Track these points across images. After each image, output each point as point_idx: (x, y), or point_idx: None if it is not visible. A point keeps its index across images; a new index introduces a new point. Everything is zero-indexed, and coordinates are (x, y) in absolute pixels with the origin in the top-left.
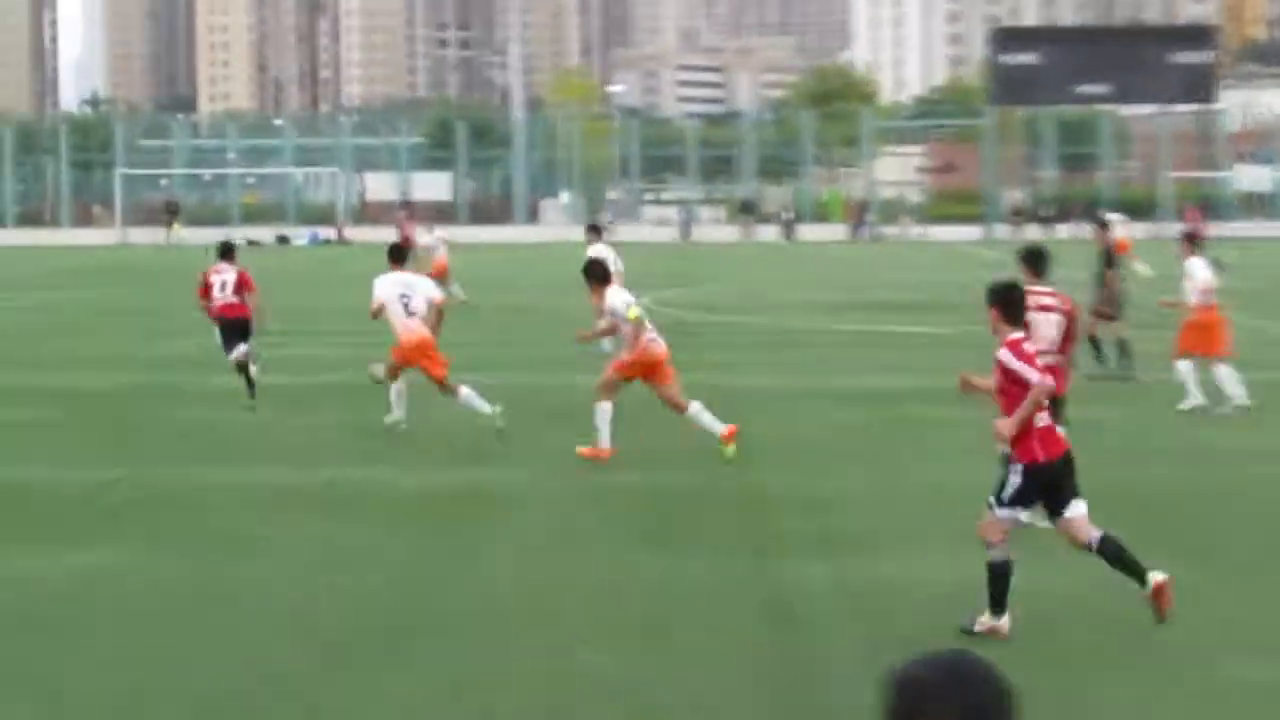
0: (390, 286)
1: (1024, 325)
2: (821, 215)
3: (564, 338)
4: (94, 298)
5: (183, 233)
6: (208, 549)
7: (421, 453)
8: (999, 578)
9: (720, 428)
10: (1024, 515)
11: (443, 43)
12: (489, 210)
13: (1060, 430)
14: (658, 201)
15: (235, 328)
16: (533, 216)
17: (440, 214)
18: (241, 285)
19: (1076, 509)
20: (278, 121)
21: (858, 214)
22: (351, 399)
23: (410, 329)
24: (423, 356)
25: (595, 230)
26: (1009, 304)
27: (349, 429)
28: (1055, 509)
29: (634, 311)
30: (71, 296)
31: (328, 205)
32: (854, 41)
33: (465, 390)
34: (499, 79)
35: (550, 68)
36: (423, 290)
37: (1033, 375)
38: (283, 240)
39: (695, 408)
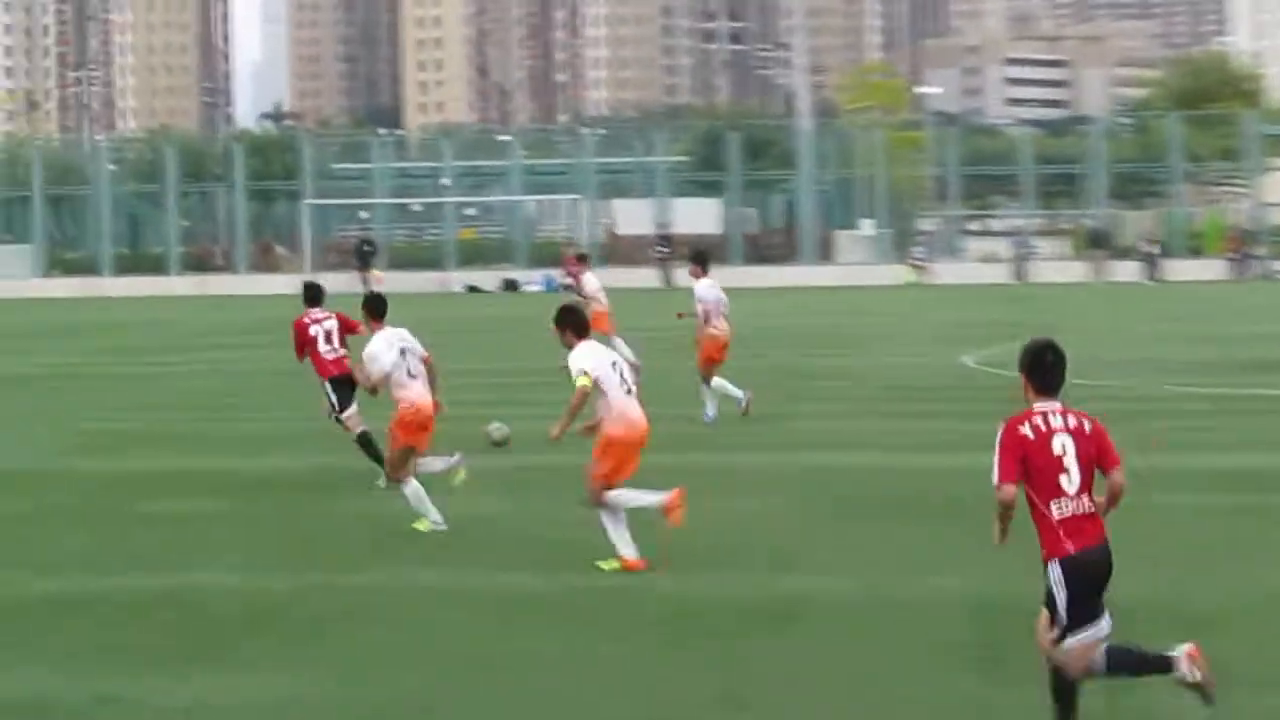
0: (388, 348)
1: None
2: (1194, 247)
3: (865, 406)
4: (275, 360)
5: (383, 277)
6: (428, 673)
7: (680, 551)
8: (1126, 668)
9: (657, 498)
10: (1105, 624)
11: (709, 37)
12: (769, 245)
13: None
14: (984, 232)
15: (352, 384)
16: (825, 252)
17: (708, 250)
18: (347, 331)
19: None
20: (503, 138)
21: (1240, 245)
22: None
23: (423, 396)
24: (427, 428)
25: (702, 263)
26: (1041, 368)
27: (591, 521)
28: None
29: (585, 379)
30: (247, 359)
31: (567, 241)
32: (1233, 25)
33: (422, 460)
34: (780, 80)
35: (845, 64)
36: (415, 346)
37: (994, 475)
38: (511, 286)
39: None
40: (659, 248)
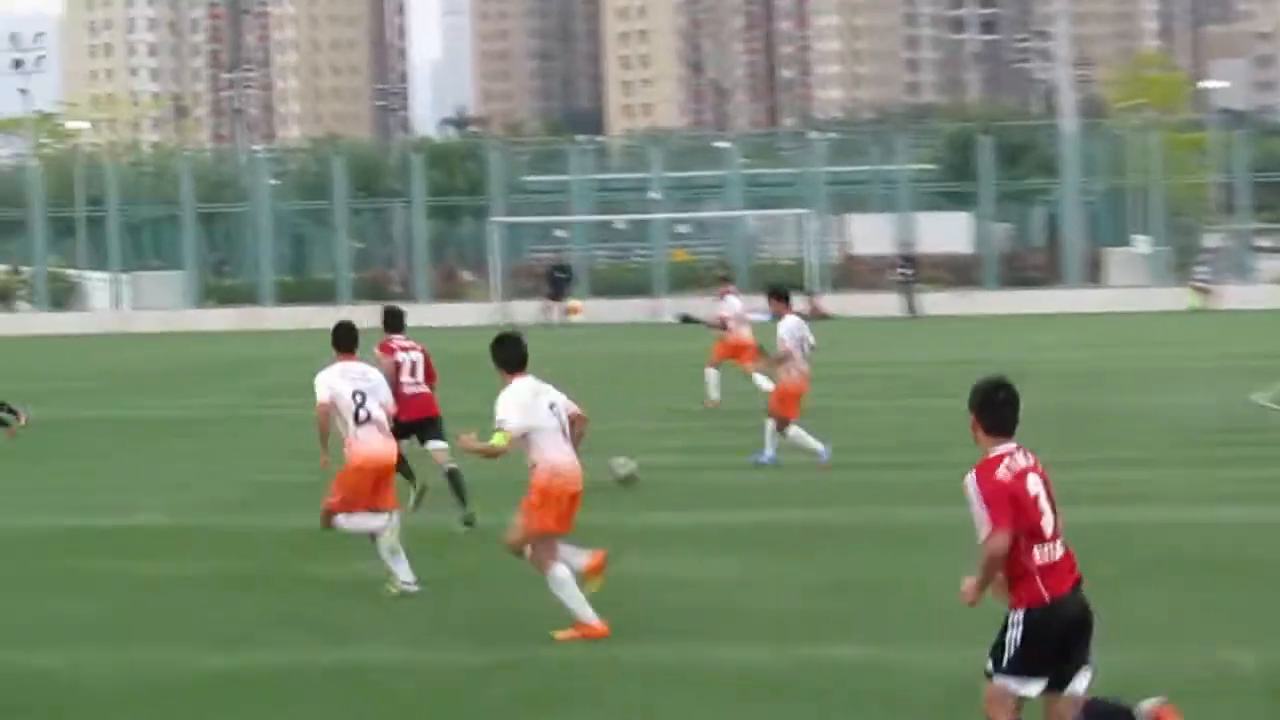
0: (341, 381)
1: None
2: None
3: (1144, 453)
4: (459, 402)
5: (580, 307)
6: None
7: (932, 620)
8: None
9: (583, 559)
10: (1033, 688)
11: (958, 26)
12: (1028, 265)
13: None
14: (1279, 249)
15: (424, 429)
16: (1092, 274)
17: (958, 272)
18: (430, 370)
19: (1081, 682)
20: (720, 144)
21: None
22: (823, 542)
23: (370, 444)
24: (383, 483)
25: (782, 298)
26: (991, 407)
27: (818, 585)
28: (1058, 678)
29: (501, 437)
30: None
31: (794, 263)
32: None
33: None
34: (1040, 75)
35: (1115, 56)
36: (380, 389)
37: (982, 528)
38: None
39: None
40: (901, 269)
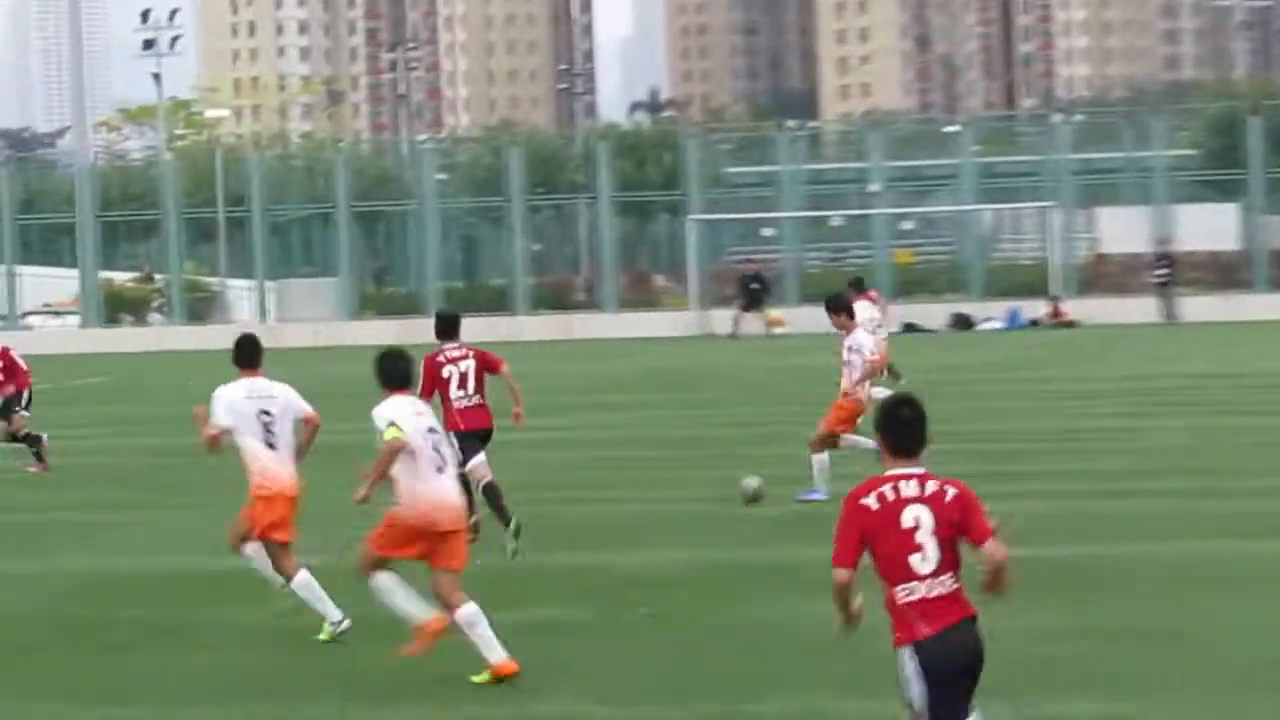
0: (243, 401)
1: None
2: None
3: None
4: (654, 425)
5: (784, 319)
6: None
7: (1177, 665)
8: None
9: (418, 615)
10: None
11: None
12: None
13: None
14: None
15: (482, 441)
16: None
17: (1223, 272)
18: (485, 371)
19: None
20: (950, 129)
21: None
22: (1076, 583)
23: (281, 466)
24: (289, 510)
25: (848, 310)
26: (895, 425)
27: (1055, 632)
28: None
29: (395, 430)
30: (614, 423)
31: (1035, 263)
32: None
33: (305, 576)
34: None
35: None
36: (290, 405)
37: (833, 554)
38: (962, 322)
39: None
40: (1158, 270)
